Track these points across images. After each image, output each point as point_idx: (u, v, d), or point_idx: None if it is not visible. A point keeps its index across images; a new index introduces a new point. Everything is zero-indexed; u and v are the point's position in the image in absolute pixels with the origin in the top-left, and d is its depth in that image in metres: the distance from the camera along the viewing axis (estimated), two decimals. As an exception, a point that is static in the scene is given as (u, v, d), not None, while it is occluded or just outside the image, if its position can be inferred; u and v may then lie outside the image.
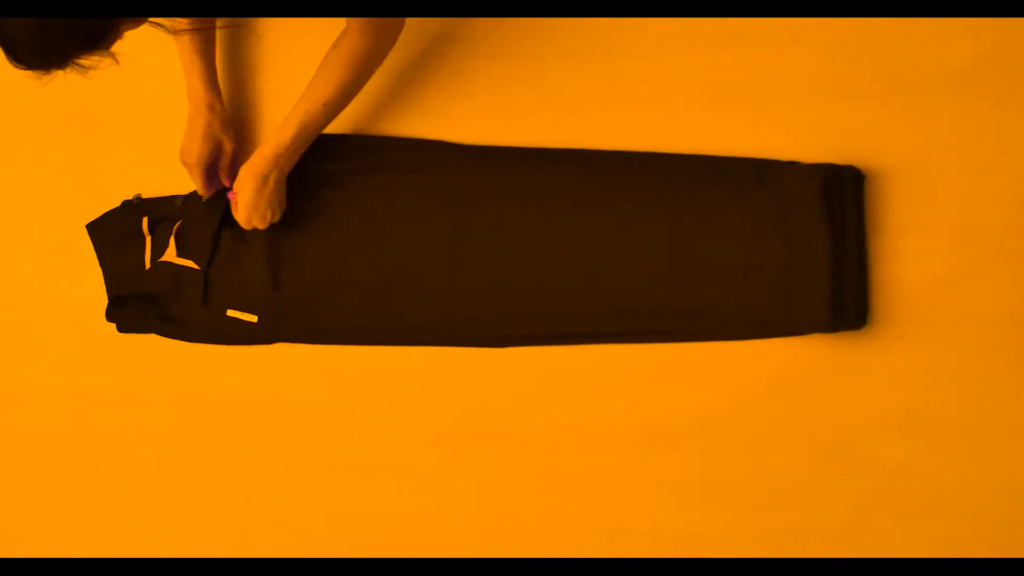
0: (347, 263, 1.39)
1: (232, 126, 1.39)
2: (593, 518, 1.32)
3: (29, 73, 0.97)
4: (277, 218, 1.35)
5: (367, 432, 1.40)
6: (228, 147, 1.37)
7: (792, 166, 1.23)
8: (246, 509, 1.45)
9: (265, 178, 1.30)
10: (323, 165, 1.39)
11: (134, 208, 1.45)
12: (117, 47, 0.98)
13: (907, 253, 1.22)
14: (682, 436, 1.28)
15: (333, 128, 1.37)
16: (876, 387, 1.23)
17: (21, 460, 1.55)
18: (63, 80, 1.50)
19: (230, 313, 1.43)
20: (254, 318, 1.42)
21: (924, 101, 1.20)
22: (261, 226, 1.34)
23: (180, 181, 1.44)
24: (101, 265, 1.47)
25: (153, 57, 1.41)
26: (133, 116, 1.46)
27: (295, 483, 1.43)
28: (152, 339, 1.47)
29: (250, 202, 1.32)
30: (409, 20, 1.35)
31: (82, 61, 0.96)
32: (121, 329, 1.47)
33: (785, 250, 1.22)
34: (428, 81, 1.36)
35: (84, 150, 1.49)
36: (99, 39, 0.95)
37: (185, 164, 1.37)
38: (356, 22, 1.20)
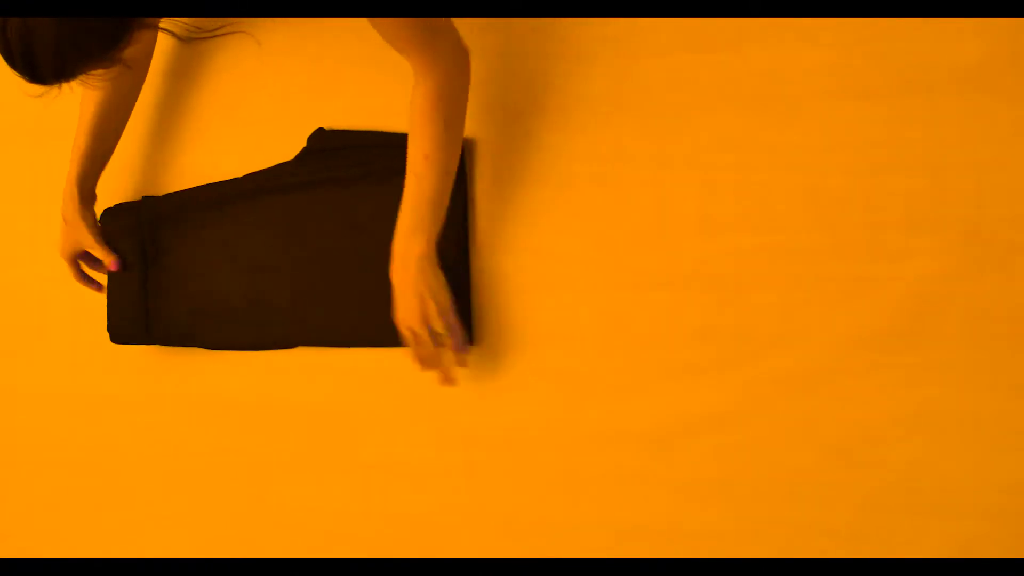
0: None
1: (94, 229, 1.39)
2: (603, 517, 1.32)
3: (32, 89, 1.00)
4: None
5: (378, 433, 1.40)
6: (106, 260, 1.40)
7: None
8: (258, 511, 1.46)
9: (428, 259, 1.23)
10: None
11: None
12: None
13: (917, 250, 1.21)
14: (692, 435, 1.28)
15: (339, 125, 1.37)
16: (886, 386, 1.22)
17: (33, 464, 1.56)
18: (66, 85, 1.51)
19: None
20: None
21: (934, 99, 1.19)
22: (451, 320, 1.25)
23: (180, 181, 1.45)
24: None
25: (158, 60, 1.41)
26: (137, 118, 1.46)
27: (307, 484, 1.43)
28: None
29: (413, 287, 1.23)
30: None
31: (95, 71, 0.97)
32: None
33: None
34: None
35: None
36: (117, 41, 0.97)
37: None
38: (416, 63, 1.16)
